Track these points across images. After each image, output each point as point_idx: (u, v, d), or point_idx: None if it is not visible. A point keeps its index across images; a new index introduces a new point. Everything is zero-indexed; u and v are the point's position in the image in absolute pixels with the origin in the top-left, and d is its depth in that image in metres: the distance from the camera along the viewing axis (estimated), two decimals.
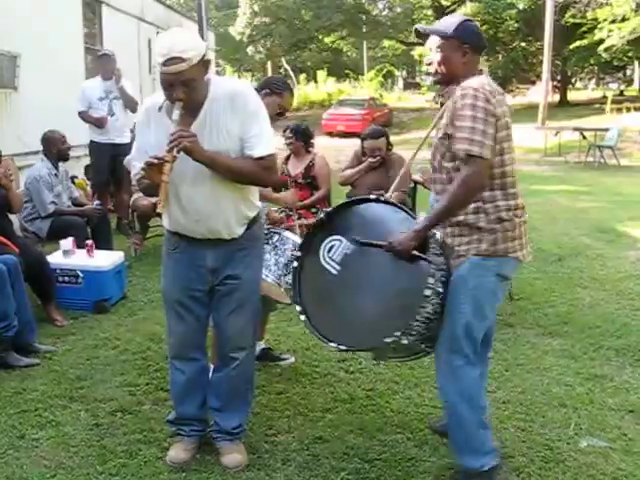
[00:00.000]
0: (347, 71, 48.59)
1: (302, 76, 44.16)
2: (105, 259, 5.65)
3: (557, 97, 35.46)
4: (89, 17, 11.40)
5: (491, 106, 2.71)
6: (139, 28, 13.22)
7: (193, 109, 2.86)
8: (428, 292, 2.76)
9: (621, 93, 37.43)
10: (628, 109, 25.80)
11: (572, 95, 37.85)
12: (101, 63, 8.02)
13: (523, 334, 4.93)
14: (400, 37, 41.62)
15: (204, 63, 2.82)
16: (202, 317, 3.27)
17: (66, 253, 5.58)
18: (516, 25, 33.54)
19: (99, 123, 7.81)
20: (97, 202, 6.88)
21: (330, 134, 25.14)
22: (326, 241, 3.06)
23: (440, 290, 2.80)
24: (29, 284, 4.92)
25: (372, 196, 3.13)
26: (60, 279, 5.44)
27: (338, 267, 2.99)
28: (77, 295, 5.44)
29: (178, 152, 2.75)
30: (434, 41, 2.92)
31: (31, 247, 5.35)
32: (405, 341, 2.76)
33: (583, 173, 15.08)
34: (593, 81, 49.79)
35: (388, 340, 2.73)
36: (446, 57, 2.89)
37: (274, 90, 3.91)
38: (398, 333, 2.72)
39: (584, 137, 17.19)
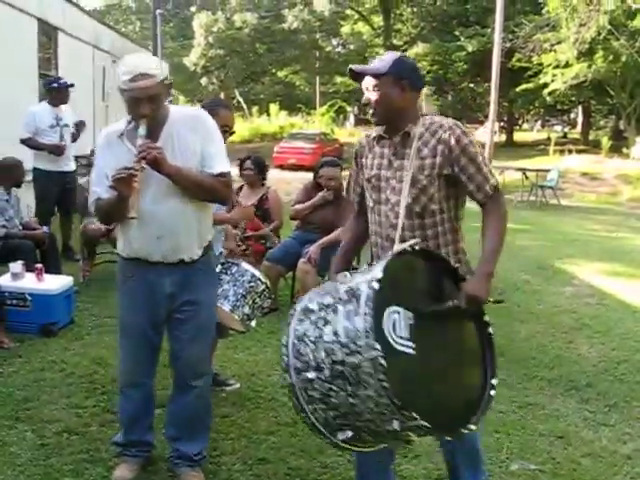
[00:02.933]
0: (299, 105, 49.04)
1: (255, 108, 44.43)
2: (54, 283, 5.68)
3: (504, 137, 36.43)
4: (44, 43, 11.44)
5: None
6: (94, 55, 13.31)
7: (154, 130, 2.97)
8: (492, 329, 2.62)
9: (565, 135, 38.65)
10: (570, 151, 26.68)
11: (518, 136, 38.92)
12: (58, 92, 7.85)
13: None
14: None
15: (166, 85, 2.99)
16: (157, 344, 3.32)
17: (15, 276, 5.59)
18: (465, 67, 34.52)
19: (58, 151, 7.64)
20: (46, 227, 6.89)
21: (281, 167, 25.30)
22: (385, 316, 2.27)
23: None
24: None
25: (405, 246, 2.49)
26: (8, 302, 5.42)
27: (412, 344, 2.28)
28: (24, 318, 5.44)
29: (147, 163, 2.85)
30: (370, 81, 2.74)
31: None
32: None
33: (525, 212, 15.54)
34: (539, 123, 51.24)
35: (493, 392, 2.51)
36: (384, 95, 2.71)
37: (208, 112, 3.98)
38: (494, 381, 2.55)
39: (526, 177, 17.75)
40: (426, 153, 2.68)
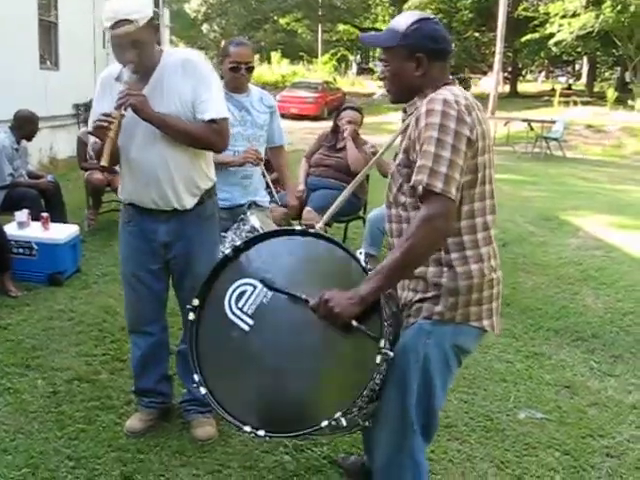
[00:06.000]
0: (301, 53, 48.48)
1: (256, 56, 43.96)
2: (60, 232, 5.67)
3: (508, 88, 36.07)
4: None
5: (466, 128, 2.08)
6: (94, 2, 13.05)
7: (145, 74, 2.92)
8: (379, 359, 2.08)
9: (569, 87, 38.24)
10: (575, 103, 26.40)
11: (522, 87, 38.54)
12: None
13: None
14: (355, 22, 41.82)
15: (152, 26, 2.88)
16: (157, 291, 3.29)
17: (21, 225, 5.58)
18: (470, 15, 33.98)
19: None
20: (50, 176, 6.88)
21: (283, 116, 25.05)
22: (234, 285, 2.31)
23: (390, 354, 2.13)
24: None
25: (297, 227, 2.39)
26: (14, 251, 5.42)
27: (251, 322, 2.25)
28: (31, 267, 5.45)
29: (125, 109, 2.80)
30: (382, 53, 2.35)
31: None
32: (343, 422, 2.09)
33: (530, 163, 15.47)
34: (543, 74, 50.71)
35: (324, 424, 2.08)
36: (396, 71, 2.29)
37: (221, 55, 3.99)
38: (338, 414, 2.07)
39: (531, 128, 17.60)
40: (408, 133, 2.23)
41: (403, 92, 2.32)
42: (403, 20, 2.28)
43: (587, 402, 3.89)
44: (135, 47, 2.81)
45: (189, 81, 2.93)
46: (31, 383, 3.82)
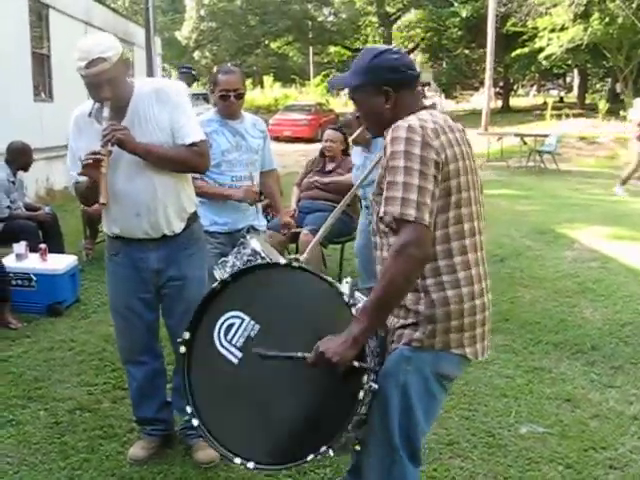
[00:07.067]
0: (293, 76, 48.77)
1: (248, 81, 44.20)
2: (59, 262, 5.69)
3: (500, 103, 36.28)
4: (36, 21, 11.34)
5: (432, 152, 2.07)
6: (86, 32, 13.18)
7: (120, 108, 2.96)
8: (362, 394, 2.11)
9: (561, 100, 38.46)
10: (567, 115, 26.54)
11: (514, 101, 38.77)
12: (193, 78, 8.31)
13: None
14: (345, 43, 42.14)
15: (124, 62, 2.95)
16: (149, 320, 3.31)
17: (19, 257, 5.60)
18: (459, 33, 34.29)
19: None
20: (48, 207, 6.92)
21: (277, 139, 25.19)
22: (222, 318, 2.33)
23: (375, 386, 2.17)
24: None
25: (282, 261, 2.45)
26: (13, 283, 5.44)
27: (239, 354, 2.27)
28: (30, 298, 5.47)
29: (112, 145, 2.83)
30: (351, 94, 2.39)
31: None
32: (330, 452, 2.15)
33: (524, 177, 15.53)
34: (534, 88, 50.99)
35: (310, 458, 2.15)
36: (368, 109, 2.33)
37: (211, 83, 4.10)
38: (324, 448, 2.13)
39: (525, 143, 17.70)
40: (382, 162, 2.21)
41: (382, 126, 2.31)
42: (362, 58, 2.32)
43: (588, 414, 3.90)
44: (110, 84, 2.85)
45: (165, 108, 2.99)
46: (33, 414, 3.82)
